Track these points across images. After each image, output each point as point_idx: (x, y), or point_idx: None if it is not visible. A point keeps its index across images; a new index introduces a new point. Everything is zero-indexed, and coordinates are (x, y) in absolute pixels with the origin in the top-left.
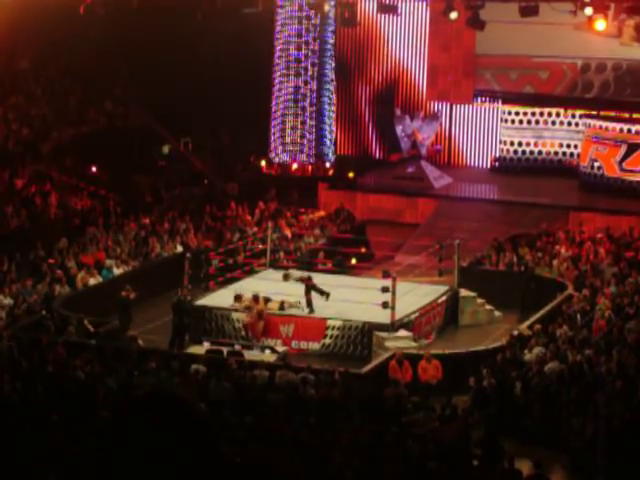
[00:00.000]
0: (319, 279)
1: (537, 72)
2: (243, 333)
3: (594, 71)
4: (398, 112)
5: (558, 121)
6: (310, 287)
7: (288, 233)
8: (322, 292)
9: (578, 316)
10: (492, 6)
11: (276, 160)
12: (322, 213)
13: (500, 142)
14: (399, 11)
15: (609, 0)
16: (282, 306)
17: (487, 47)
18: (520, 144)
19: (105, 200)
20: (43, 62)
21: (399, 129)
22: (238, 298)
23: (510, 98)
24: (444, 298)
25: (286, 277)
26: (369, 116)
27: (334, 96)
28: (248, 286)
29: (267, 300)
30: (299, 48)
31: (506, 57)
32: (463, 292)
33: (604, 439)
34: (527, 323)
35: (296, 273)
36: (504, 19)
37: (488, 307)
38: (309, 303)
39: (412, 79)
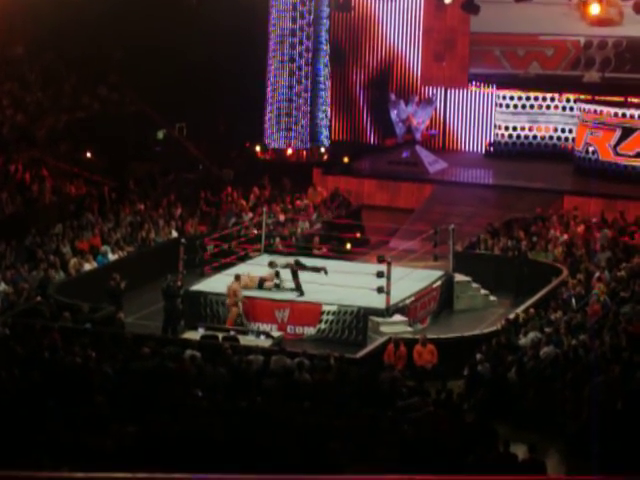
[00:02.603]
0: (314, 264)
1: (543, 49)
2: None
3: (596, 48)
4: (393, 97)
5: (553, 105)
6: (296, 272)
7: (282, 218)
8: (317, 269)
9: (573, 300)
10: None
11: (271, 146)
12: (309, 201)
13: (495, 127)
14: None
15: None
16: (261, 284)
17: (497, 26)
18: (515, 129)
19: (100, 186)
20: (38, 48)
21: (394, 114)
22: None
23: (505, 82)
24: (439, 283)
25: (271, 264)
26: (364, 101)
27: (329, 81)
28: (243, 271)
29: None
30: (294, 34)
31: (514, 35)
32: (458, 277)
33: (599, 423)
34: (522, 307)
35: (281, 260)
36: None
37: (483, 292)
38: (298, 287)
39: (406, 64)
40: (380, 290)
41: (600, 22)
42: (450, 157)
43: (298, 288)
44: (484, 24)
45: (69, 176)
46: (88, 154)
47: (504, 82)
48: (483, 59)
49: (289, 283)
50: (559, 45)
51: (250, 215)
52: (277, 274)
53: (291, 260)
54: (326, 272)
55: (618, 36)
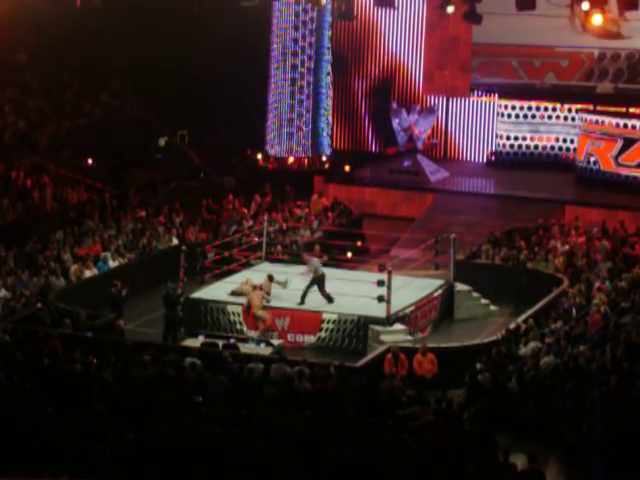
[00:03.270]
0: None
1: (558, 60)
2: (239, 326)
3: (609, 60)
4: (394, 105)
5: (554, 115)
6: (313, 283)
7: (283, 226)
8: (328, 297)
9: (574, 310)
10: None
11: (272, 153)
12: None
13: (496, 136)
14: (396, 5)
15: None
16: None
17: (514, 37)
18: (516, 138)
19: (101, 193)
20: (40, 55)
21: (395, 123)
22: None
23: (506, 92)
24: (440, 292)
25: (304, 262)
26: (365, 109)
27: (331, 90)
28: (243, 279)
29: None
30: (296, 41)
31: (531, 47)
32: (459, 286)
33: (599, 433)
34: (523, 317)
35: (315, 262)
36: (531, 13)
37: (483, 301)
38: (303, 295)
39: (408, 73)
40: (381, 299)
41: (606, 34)
42: (451, 166)
43: (303, 296)
44: (501, 35)
45: (70, 183)
46: (89, 161)
47: (512, 92)
48: (501, 70)
49: (278, 284)
50: (574, 57)
51: (251, 223)
52: (270, 278)
53: (322, 270)
54: (329, 302)
55: (631, 48)
